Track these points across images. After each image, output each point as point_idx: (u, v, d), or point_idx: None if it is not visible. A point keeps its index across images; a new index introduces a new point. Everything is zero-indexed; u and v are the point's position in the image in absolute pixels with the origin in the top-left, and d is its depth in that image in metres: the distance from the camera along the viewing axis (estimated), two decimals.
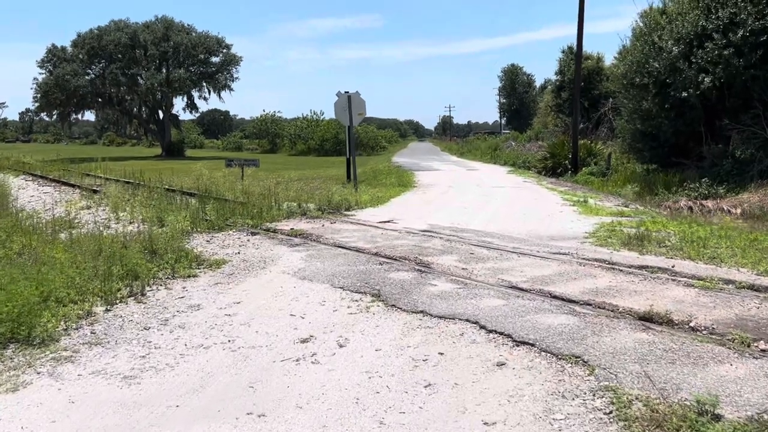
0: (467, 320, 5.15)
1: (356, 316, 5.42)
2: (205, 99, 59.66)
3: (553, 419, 3.49)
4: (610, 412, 3.53)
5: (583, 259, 7.44)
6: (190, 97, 59.37)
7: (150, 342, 4.85)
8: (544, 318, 5.15)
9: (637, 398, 3.66)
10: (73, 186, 19.53)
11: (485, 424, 3.47)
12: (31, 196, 17.73)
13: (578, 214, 11.75)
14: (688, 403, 3.54)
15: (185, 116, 74.87)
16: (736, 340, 4.54)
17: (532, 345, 4.56)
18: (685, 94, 16.57)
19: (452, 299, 5.77)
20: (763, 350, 4.38)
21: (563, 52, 38.99)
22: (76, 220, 12.04)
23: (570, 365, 4.21)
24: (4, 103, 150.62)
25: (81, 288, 5.99)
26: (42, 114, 65.50)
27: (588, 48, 35.61)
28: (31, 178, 23.66)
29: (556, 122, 39.52)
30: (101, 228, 10.94)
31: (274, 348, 4.71)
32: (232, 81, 58.76)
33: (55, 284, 5.95)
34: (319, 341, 4.83)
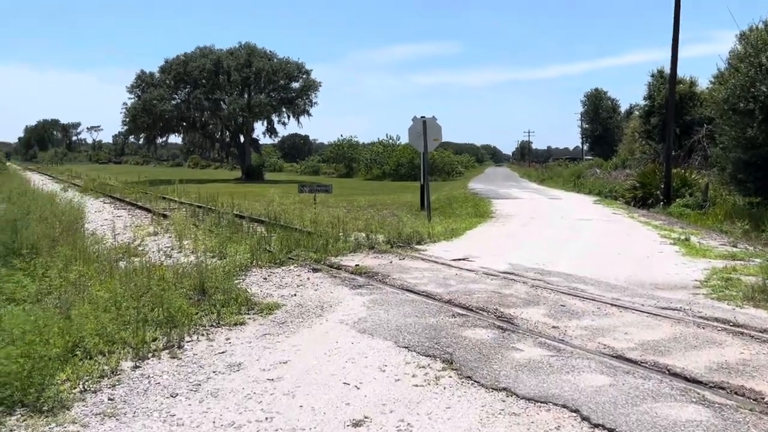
0: (564, 406, 4.05)
1: (422, 390, 4.41)
2: (284, 124, 60.50)
3: None
4: None
5: (701, 318, 6.16)
6: (270, 122, 60.38)
7: (173, 416, 4.02)
8: (667, 409, 3.99)
9: None
10: (146, 210, 19.49)
11: None
12: (105, 219, 17.73)
13: (682, 256, 10.31)
14: None
15: (265, 140, 76.09)
16: None
17: None
18: None
19: (543, 373, 4.67)
20: None
21: (652, 76, 36.89)
22: (140, 248, 11.65)
23: None
24: (99, 127, 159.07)
25: (113, 337, 5.28)
26: (131, 137, 68.27)
27: (679, 72, 33.41)
28: (109, 201, 24.01)
29: (644, 149, 37.25)
30: (162, 257, 10.46)
31: None
32: (311, 106, 59.31)
33: (86, 331, 5.28)
34: (375, 425, 3.86)
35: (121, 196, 24.88)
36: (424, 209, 17.21)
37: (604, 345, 5.31)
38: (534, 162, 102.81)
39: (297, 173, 74.40)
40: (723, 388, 4.32)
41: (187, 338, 5.58)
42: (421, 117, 16.76)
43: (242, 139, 60.63)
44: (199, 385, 4.54)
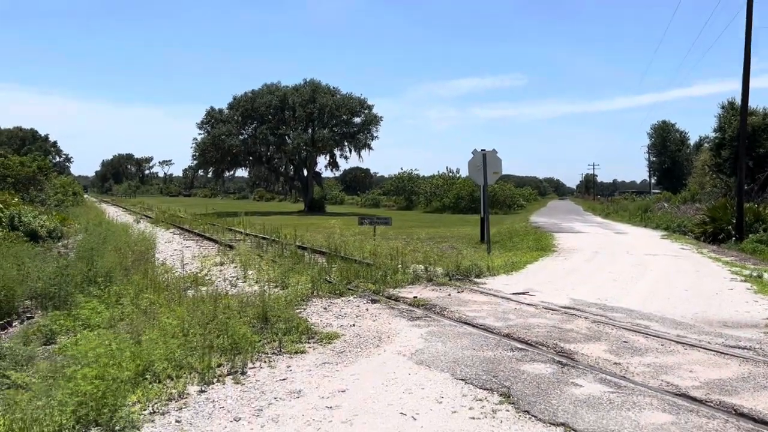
0: None
1: (479, 422, 4.42)
2: (346, 158, 61.47)
3: None
4: None
5: None
6: (333, 156, 61.48)
7: None
8: None
9: None
10: (213, 241, 20.15)
11: None
12: (175, 249, 18.42)
13: (753, 294, 9.91)
14: None
15: (327, 173, 77.55)
16: None
17: None
18: None
19: (602, 409, 4.59)
20: None
21: (723, 107, 35.87)
22: (207, 277, 12.06)
23: None
24: (170, 161, 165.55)
25: (180, 362, 5.52)
26: (200, 171, 70.73)
27: (752, 103, 32.46)
28: (179, 232, 24.93)
29: (715, 183, 36.09)
30: (228, 286, 10.82)
31: None
32: (372, 140, 60.15)
33: (156, 356, 5.54)
34: None
35: (190, 227, 25.80)
36: (484, 242, 17.15)
37: (667, 383, 5.18)
38: (599, 195, 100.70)
39: (357, 206, 75.26)
40: None
41: (249, 365, 5.76)
42: (482, 150, 16.83)
43: (305, 172, 61.93)
44: (261, 410, 4.68)
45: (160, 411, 4.65)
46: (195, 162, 61.31)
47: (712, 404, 4.67)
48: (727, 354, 6.08)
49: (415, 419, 4.50)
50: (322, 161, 63.27)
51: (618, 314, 8.08)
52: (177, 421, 4.47)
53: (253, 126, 58.21)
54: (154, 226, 26.57)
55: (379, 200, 74.72)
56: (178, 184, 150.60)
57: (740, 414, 4.46)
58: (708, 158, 39.21)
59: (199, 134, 58.09)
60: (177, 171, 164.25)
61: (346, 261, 12.55)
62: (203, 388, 5.14)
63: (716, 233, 22.03)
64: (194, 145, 58.00)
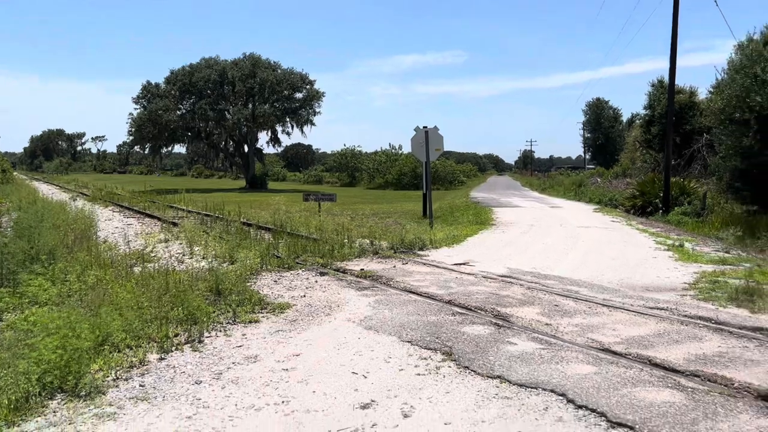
0: (552, 391, 4.48)
1: (424, 378, 4.84)
2: (288, 134, 61.16)
3: None
4: None
5: (685, 316, 6.58)
6: (274, 132, 60.99)
7: (199, 399, 4.45)
8: (644, 392, 4.41)
9: None
10: (155, 218, 19.96)
11: None
12: (116, 227, 18.19)
13: (674, 261, 10.73)
14: None
15: (269, 150, 76.88)
16: None
17: (632, 428, 3.85)
18: None
19: (534, 363, 5.10)
20: None
21: (653, 85, 37.32)
22: (152, 254, 12.08)
23: None
24: (103, 137, 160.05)
25: (138, 332, 5.73)
26: (136, 147, 68.91)
27: (679, 82, 34.04)
28: (118, 210, 24.48)
29: (645, 158, 37.67)
30: (175, 263, 10.91)
31: (330, 413, 4.21)
32: (315, 116, 59.91)
33: (113, 327, 5.72)
34: (381, 408, 4.28)
35: (130, 205, 25.37)
36: (426, 217, 17.65)
37: (593, 340, 5.73)
38: (536, 171, 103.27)
39: (300, 182, 74.94)
40: (698, 376, 4.74)
41: (206, 334, 6.02)
42: (423, 127, 17.23)
43: (246, 149, 61.23)
44: (221, 374, 4.97)
45: (123, 377, 4.88)
46: (131, 138, 59.61)
47: (630, 357, 5.23)
48: (647, 314, 6.71)
49: (365, 377, 4.89)
50: (263, 137, 62.85)
51: (551, 281, 8.67)
52: (141, 386, 4.71)
53: (192, 101, 56.99)
54: (92, 204, 25.98)
55: (322, 177, 74.60)
56: (113, 161, 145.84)
57: (654, 364, 5.03)
58: (639, 134, 40.85)
59: (135, 109, 56.50)
60: (111, 147, 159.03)
61: (292, 237, 12.77)
62: (163, 356, 5.39)
63: (645, 206, 23.24)
64: (130, 120, 56.37)
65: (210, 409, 4.30)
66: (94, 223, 17.69)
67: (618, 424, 3.92)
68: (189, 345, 5.69)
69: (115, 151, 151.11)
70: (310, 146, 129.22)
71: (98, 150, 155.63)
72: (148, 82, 57.01)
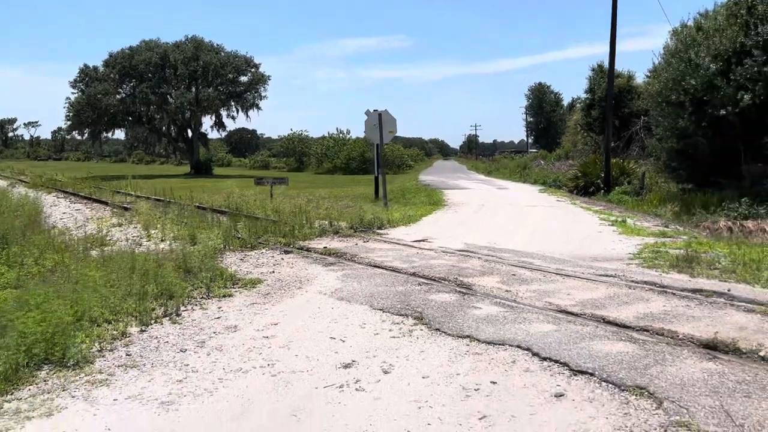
0: (518, 346, 4.87)
1: (399, 340, 5.17)
2: (233, 118, 60.21)
3: None
4: None
5: (632, 281, 7.12)
6: (219, 116, 60.03)
7: (187, 365, 4.66)
8: (601, 345, 4.86)
9: None
10: (103, 203, 19.62)
11: None
12: (63, 213, 17.82)
13: (619, 235, 11.38)
14: None
15: (213, 135, 75.58)
16: None
17: (591, 374, 4.27)
18: (723, 111, 16.13)
19: (499, 323, 5.49)
20: None
21: (593, 70, 38.51)
22: (108, 238, 11.99)
23: (635, 397, 3.91)
24: (36, 122, 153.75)
25: (115, 307, 5.85)
26: (74, 132, 66.69)
27: (617, 66, 35.22)
28: (62, 196, 23.88)
29: (586, 141, 38.93)
30: (133, 246, 10.89)
31: (315, 373, 4.49)
32: (260, 100, 59.32)
33: (89, 303, 5.81)
34: (362, 366, 4.59)
35: (74, 190, 24.76)
36: (378, 199, 17.97)
37: (550, 303, 6.18)
38: (480, 155, 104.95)
39: (246, 168, 74.16)
40: (647, 330, 5.22)
41: (182, 308, 6.18)
42: (375, 110, 17.50)
43: (190, 133, 60.15)
44: (204, 342, 5.18)
45: (108, 348, 5.03)
46: (68, 123, 57.75)
47: (585, 316, 5.69)
48: (597, 280, 7.22)
49: (343, 341, 5.18)
50: (207, 122, 61.77)
51: (506, 254, 9.13)
52: (127, 355, 4.88)
53: (132, 84, 55.56)
54: (34, 190, 25.25)
55: (269, 162, 74.04)
56: (47, 148, 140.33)
57: (607, 322, 5.50)
58: (580, 118, 42.13)
59: (73, 93, 54.71)
60: (45, 133, 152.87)
61: (250, 219, 12.86)
62: (143, 329, 5.54)
63: (587, 186, 24.21)
64: (67, 105, 54.57)
65: (199, 373, 4.51)
66: (41, 208, 17.32)
67: (579, 372, 4.34)
68: (167, 318, 5.85)
69: (49, 137, 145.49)
70: (254, 131, 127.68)
71: (31, 136, 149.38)
72: (86, 66, 55.28)
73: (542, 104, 77.45)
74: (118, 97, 54.76)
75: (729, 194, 16.63)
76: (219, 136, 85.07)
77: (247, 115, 59.93)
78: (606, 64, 24.37)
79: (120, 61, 54.24)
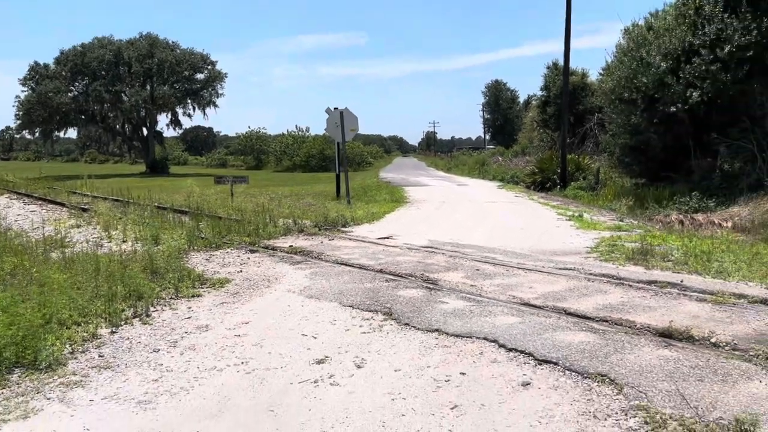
0: (485, 338, 5.06)
1: (370, 335, 5.30)
2: (190, 116, 59.56)
3: None
4: None
5: (591, 274, 7.40)
6: (175, 114, 59.22)
7: (161, 365, 4.70)
8: (563, 335, 5.08)
9: (671, 417, 3.59)
10: (60, 204, 19.20)
11: None
12: (18, 214, 17.38)
13: (576, 229, 11.74)
14: (726, 422, 3.48)
15: (169, 133, 74.38)
16: (760, 356, 4.49)
17: (556, 363, 4.48)
18: (673, 108, 16.72)
19: (466, 317, 5.68)
20: None
21: (548, 67, 39.21)
22: (67, 240, 11.80)
23: (597, 384, 4.13)
24: None
25: (83, 309, 5.83)
26: (24, 131, 64.82)
27: (572, 64, 36.06)
28: (15, 197, 23.24)
29: (542, 137, 39.72)
30: (94, 247, 10.74)
31: (289, 369, 4.58)
32: (217, 97, 58.67)
33: (57, 306, 5.78)
34: (335, 362, 4.70)
35: (28, 191, 24.13)
36: (340, 197, 18.06)
37: (514, 296, 6.40)
38: (439, 152, 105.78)
39: (203, 166, 73.22)
40: (606, 321, 5.47)
41: (152, 309, 6.18)
42: (335, 108, 17.57)
43: (145, 132, 59.11)
44: (176, 342, 5.22)
45: (80, 350, 5.02)
46: (18, 122, 56.08)
47: (548, 308, 5.92)
48: (557, 274, 7.48)
49: (315, 338, 5.28)
50: (163, 119, 60.86)
51: (469, 250, 9.35)
52: (100, 356, 4.89)
53: (85, 82, 54.29)
54: None
55: (226, 160, 73.26)
56: None
57: (569, 313, 5.74)
58: (536, 115, 42.91)
59: (23, 91, 53.17)
60: None
61: (213, 219, 12.79)
62: (114, 330, 5.54)
63: (544, 182, 24.75)
64: (17, 103, 53.02)
65: (174, 372, 4.56)
66: None
67: (544, 361, 4.54)
68: (138, 319, 5.85)
69: None
70: (211, 129, 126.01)
71: None
72: (36, 63, 53.80)
73: (499, 101, 78.47)
74: (70, 95, 53.47)
75: (680, 188, 17.27)
76: (175, 135, 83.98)
77: (204, 113, 59.35)
78: (561, 61, 24.91)
79: (72, 58, 52.98)
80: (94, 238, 12.35)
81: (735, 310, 5.72)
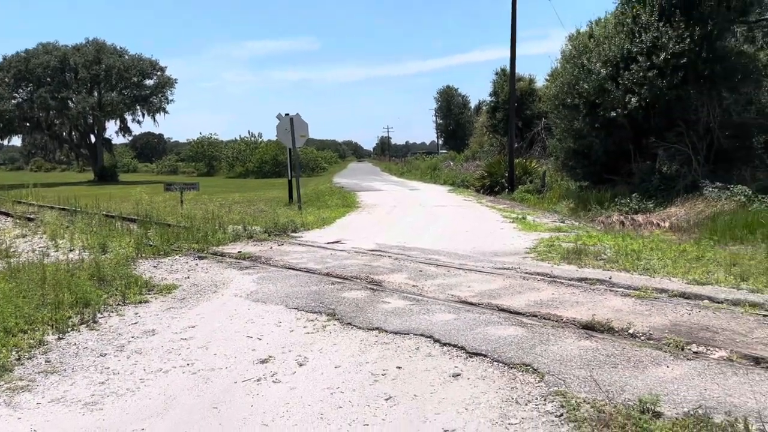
0: (422, 335, 5.35)
1: (313, 335, 5.53)
2: (139, 122, 59.01)
3: (509, 423, 3.71)
4: (561, 415, 3.77)
5: (526, 273, 7.79)
6: (123, 121, 58.29)
7: (108, 368, 4.83)
8: (494, 330, 5.41)
9: (585, 401, 3.93)
10: (4, 214, 18.80)
11: (446, 431, 3.65)
12: None
13: (518, 231, 12.19)
14: (632, 403, 3.83)
15: (118, 140, 72.94)
16: (671, 344, 4.90)
17: (485, 356, 4.80)
18: (613, 113, 17.43)
19: (405, 315, 5.97)
20: (695, 353, 4.75)
21: (497, 73, 40.11)
22: (12, 249, 11.65)
23: (521, 373, 4.45)
24: None
25: (29, 317, 5.89)
26: None
27: (520, 70, 36.98)
28: None
29: (492, 142, 40.57)
30: (40, 256, 10.66)
31: (234, 369, 4.78)
32: (167, 103, 58.01)
33: (3, 314, 5.83)
34: (279, 361, 4.92)
35: None
36: (293, 203, 18.20)
37: (452, 295, 6.72)
38: (393, 157, 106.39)
39: (154, 173, 72.09)
40: (536, 316, 5.84)
41: (99, 315, 6.28)
42: (286, 114, 17.72)
43: (93, 139, 57.94)
44: (123, 346, 5.35)
45: (26, 356, 5.10)
46: None
47: (483, 305, 6.26)
48: (495, 273, 7.85)
49: (260, 339, 5.49)
50: (112, 126, 59.78)
51: (414, 252, 9.67)
52: (47, 361, 4.99)
53: (29, 89, 52.94)
54: None
55: (177, 167, 72.24)
56: None
57: (501, 309, 6.09)
58: (485, 120, 43.80)
59: None
60: None
61: (162, 226, 12.78)
62: (61, 336, 5.63)
63: (493, 186, 25.37)
64: None
65: (120, 375, 4.71)
66: None
67: (475, 354, 4.86)
68: (84, 325, 5.95)
69: None
70: (161, 135, 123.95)
71: None
72: None
73: (451, 107, 79.47)
74: (14, 102, 52.03)
75: (621, 190, 17.98)
76: (124, 141, 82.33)
77: (154, 120, 58.53)
78: (509, 67, 25.55)
79: (15, 64, 51.62)
80: (40, 247, 12.22)
81: (655, 304, 6.17)
